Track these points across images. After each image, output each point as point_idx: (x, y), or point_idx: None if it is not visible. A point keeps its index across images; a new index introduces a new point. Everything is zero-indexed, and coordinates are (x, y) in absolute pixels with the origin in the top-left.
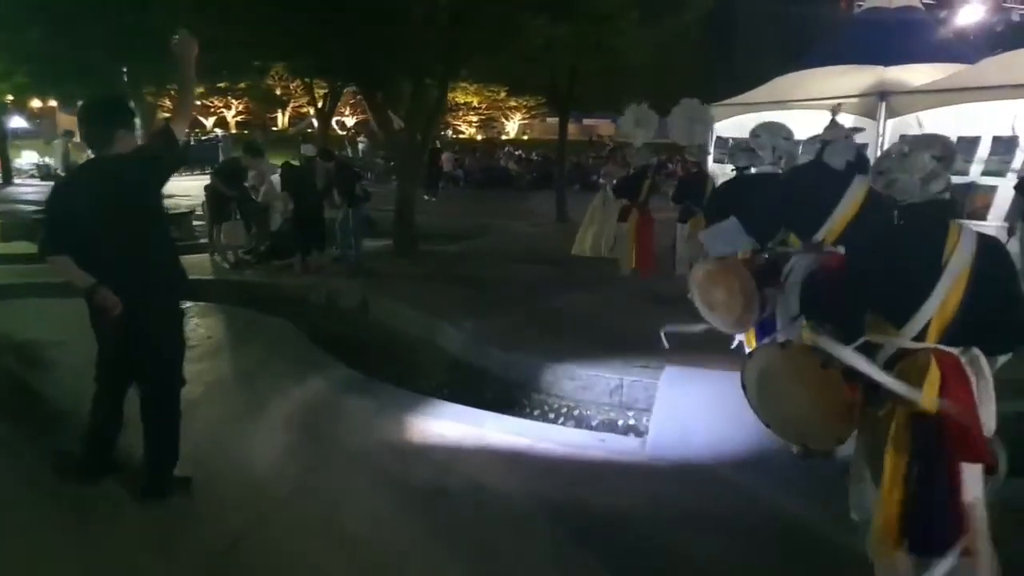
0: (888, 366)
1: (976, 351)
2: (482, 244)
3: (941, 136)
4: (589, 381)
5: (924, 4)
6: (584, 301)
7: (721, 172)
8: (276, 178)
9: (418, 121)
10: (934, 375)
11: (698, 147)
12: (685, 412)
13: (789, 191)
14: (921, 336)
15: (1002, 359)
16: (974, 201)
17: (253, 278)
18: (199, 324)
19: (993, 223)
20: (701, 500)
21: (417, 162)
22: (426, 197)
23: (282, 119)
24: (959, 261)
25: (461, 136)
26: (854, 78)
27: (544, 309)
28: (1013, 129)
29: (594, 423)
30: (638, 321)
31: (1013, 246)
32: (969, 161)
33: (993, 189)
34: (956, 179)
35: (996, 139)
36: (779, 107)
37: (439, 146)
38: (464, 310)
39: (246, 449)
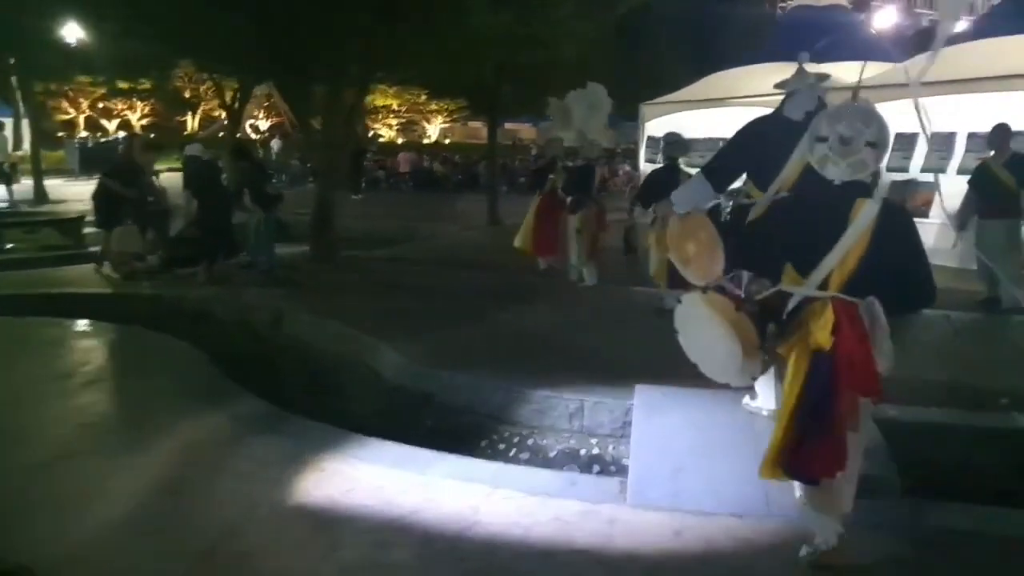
0: (795, 311)
1: (872, 299)
2: (412, 249)
3: (878, 115)
4: (545, 404)
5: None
6: (529, 312)
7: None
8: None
9: (337, 118)
10: (828, 316)
11: (590, 143)
12: (670, 445)
13: (746, 142)
14: (824, 286)
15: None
16: (916, 198)
17: (151, 290)
18: (80, 347)
19: (936, 220)
20: (707, 566)
21: (337, 161)
22: (354, 196)
23: (192, 122)
24: (861, 221)
25: (381, 139)
26: (787, 75)
27: (485, 321)
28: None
29: (553, 453)
30: (591, 334)
31: (967, 241)
32: (908, 158)
33: (934, 186)
34: (896, 176)
35: (934, 135)
36: (713, 105)
37: (362, 148)
38: (395, 324)
39: (121, 520)
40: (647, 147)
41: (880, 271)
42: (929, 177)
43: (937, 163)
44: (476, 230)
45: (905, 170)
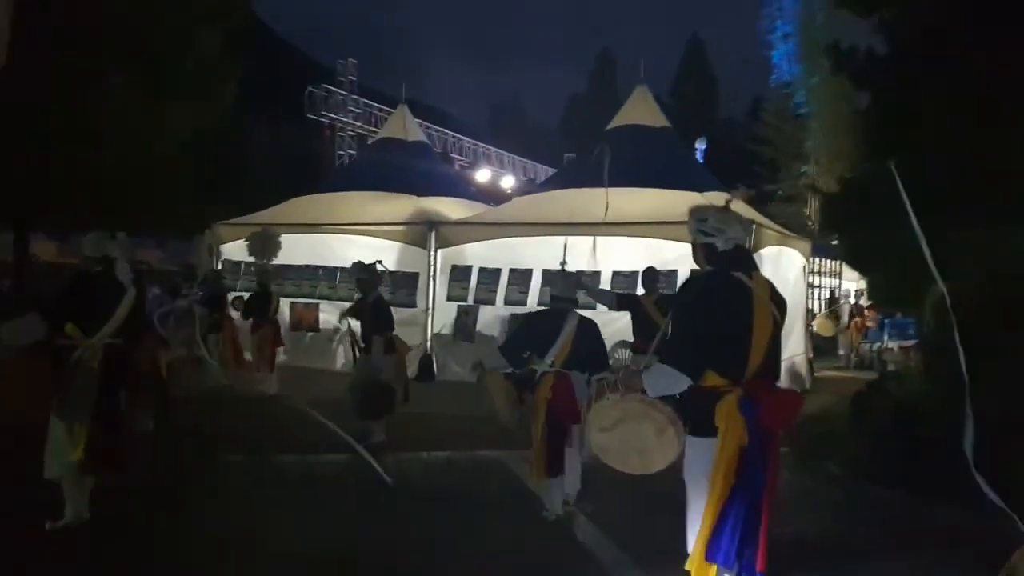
0: (540, 379)
1: (576, 372)
2: None
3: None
4: None
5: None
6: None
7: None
8: None
9: None
10: (550, 381)
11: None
12: None
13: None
14: (553, 364)
15: (596, 378)
16: None
17: None
18: None
19: None
20: None
21: None
22: None
23: None
24: (568, 327)
25: None
26: (392, 205)
27: None
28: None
29: None
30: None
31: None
32: (524, 292)
33: None
34: (515, 309)
35: (546, 271)
36: (306, 231)
37: None
38: None
39: None
40: (226, 270)
41: (581, 353)
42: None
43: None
44: None
45: (523, 304)
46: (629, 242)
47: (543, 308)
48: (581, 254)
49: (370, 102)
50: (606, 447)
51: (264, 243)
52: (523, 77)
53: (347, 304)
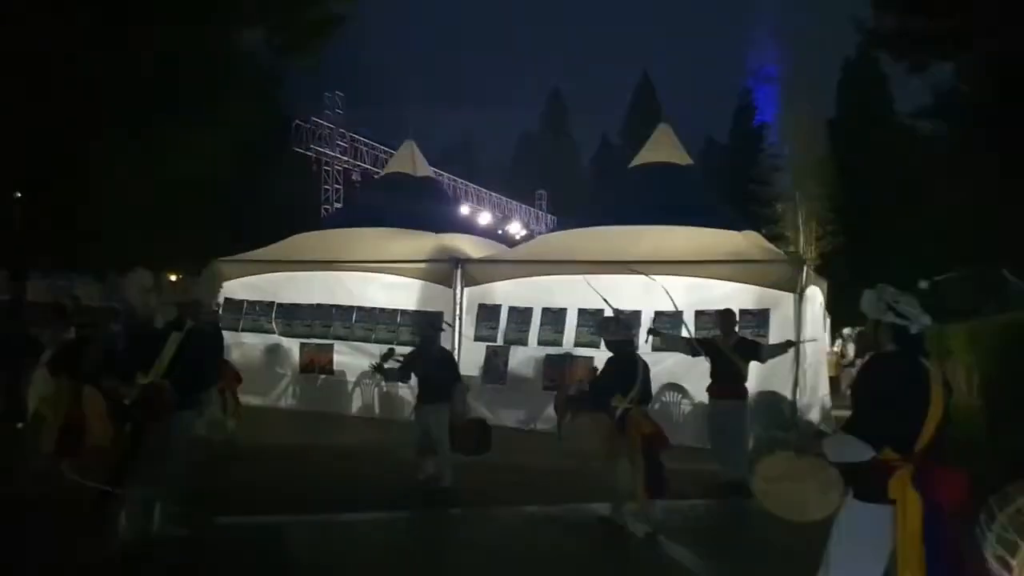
0: (623, 416)
1: (644, 407)
2: None
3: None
4: None
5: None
6: None
7: (235, 341)
8: None
9: None
10: (639, 417)
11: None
12: None
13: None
14: (631, 403)
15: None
16: (574, 373)
17: None
18: None
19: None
20: None
21: None
22: None
23: None
24: (641, 367)
25: None
26: (411, 242)
27: None
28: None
29: None
30: None
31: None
32: (560, 332)
33: (590, 360)
34: (552, 350)
35: (582, 311)
36: (318, 268)
37: None
38: None
39: None
40: (226, 310)
41: (647, 390)
42: (584, 351)
43: (588, 339)
44: None
45: (559, 344)
46: (669, 281)
47: (614, 353)
48: (617, 294)
49: (357, 136)
50: (766, 493)
51: (210, 285)
52: (473, 114)
53: (363, 344)
